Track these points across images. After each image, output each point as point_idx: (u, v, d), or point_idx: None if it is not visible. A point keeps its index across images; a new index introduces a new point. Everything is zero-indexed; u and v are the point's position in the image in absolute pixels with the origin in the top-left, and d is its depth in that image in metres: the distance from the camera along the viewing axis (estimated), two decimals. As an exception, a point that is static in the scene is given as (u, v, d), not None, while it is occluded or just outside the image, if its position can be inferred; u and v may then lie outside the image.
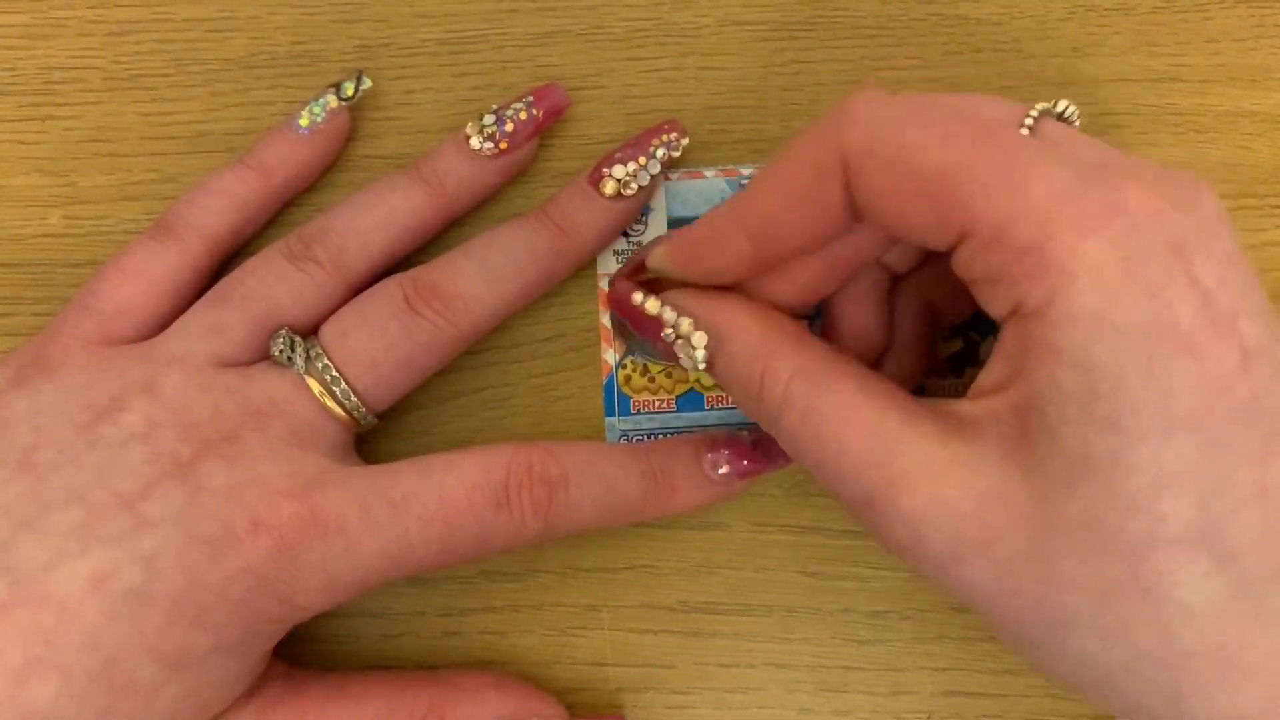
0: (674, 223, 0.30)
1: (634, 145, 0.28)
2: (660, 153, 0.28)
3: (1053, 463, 0.19)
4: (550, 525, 0.25)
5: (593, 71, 0.31)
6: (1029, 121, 0.21)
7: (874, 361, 0.26)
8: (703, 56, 0.31)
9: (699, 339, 0.23)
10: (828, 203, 0.21)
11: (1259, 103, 0.30)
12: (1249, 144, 0.30)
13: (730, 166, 0.30)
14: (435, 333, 0.26)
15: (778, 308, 0.24)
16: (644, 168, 0.28)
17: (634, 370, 0.29)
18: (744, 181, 0.30)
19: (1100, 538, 0.18)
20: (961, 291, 0.22)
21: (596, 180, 0.28)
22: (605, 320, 0.29)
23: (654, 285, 0.25)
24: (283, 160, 0.29)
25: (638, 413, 0.29)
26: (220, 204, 0.28)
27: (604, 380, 0.29)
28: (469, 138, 0.28)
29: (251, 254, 0.27)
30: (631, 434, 0.29)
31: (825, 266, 0.24)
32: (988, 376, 0.20)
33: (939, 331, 0.27)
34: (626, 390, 0.29)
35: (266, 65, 0.31)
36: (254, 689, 0.25)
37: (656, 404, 0.29)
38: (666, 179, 0.30)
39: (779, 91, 0.30)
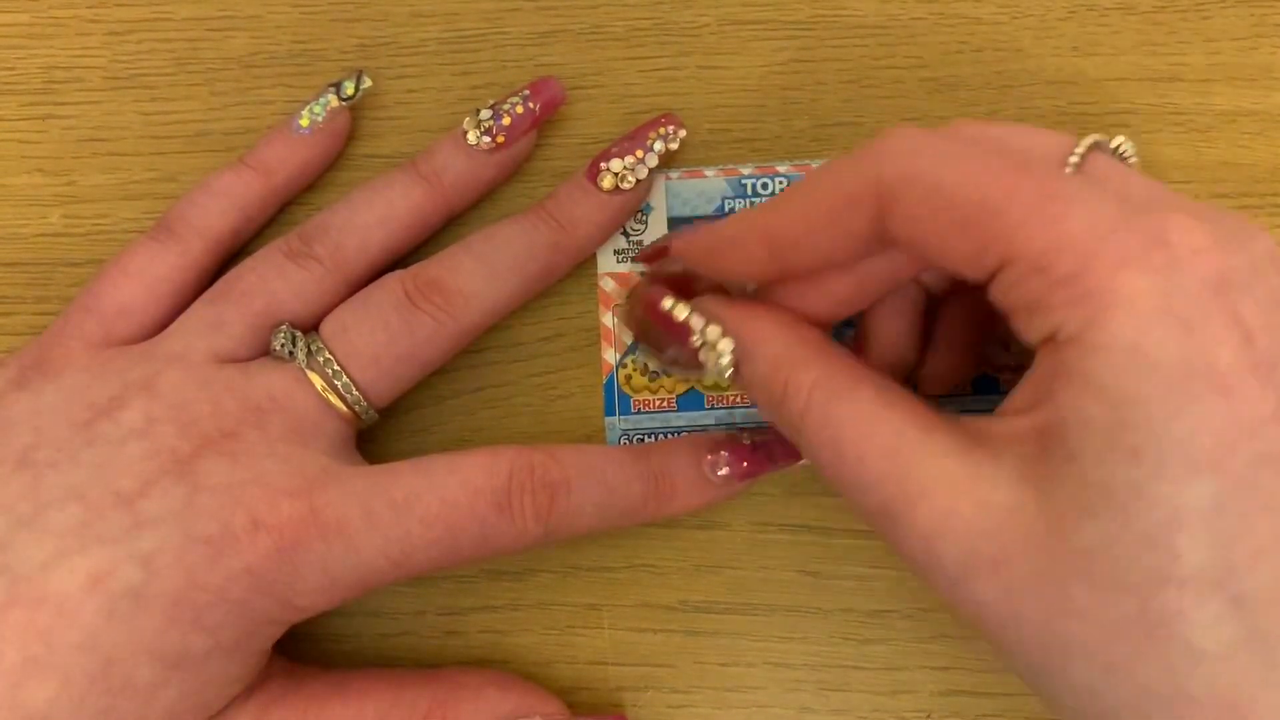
0: (674, 222, 0.30)
1: (631, 139, 0.28)
2: (657, 146, 0.28)
3: (1070, 489, 0.18)
4: (551, 529, 0.25)
5: (593, 70, 0.31)
6: (1077, 153, 0.21)
7: (907, 377, 0.26)
8: (703, 56, 0.31)
9: (725, 345, 0.24)
10: (852, 229, 0.21)
11: (1259, 103, 0.30)
12: (1249, 144, 0.30)
13: (730, 166, 0.30)
14: (436, 327, 0.26)
15: (806, 318, 0.24)
16: (641, 161, 0.28)
17: (634, 370, 0.29)
18: (744, 181, 0.30)
19: (1112, 568, 0.18)
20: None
21: (594, 175, 0.28)
22: (605, 320, 0.29)
23: (682, 289, 0.25)
24: (283, 160, 0.29)
25: (638, 412, 0.29)
26: (221, 204, 0.28)
27: (604, 380, 0.29)
28: (466, 133, 0.28)
29: (251, 253, 0.27)
30: (631, 433, 0.29)
31: (856, 282, 0.24)
32: (1015, 399, 0.20)
33: (991, 345, 0.27)
34: (626, 390, 0.29)
35: (266, 64, 0.31)
36: (255, 686, 0.25)
37: (656, 403, 0.29)
38: (667, 178, 0.30)
39: (779, 91, 0.30)
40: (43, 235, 0.30)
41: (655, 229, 0.30)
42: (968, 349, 0.27)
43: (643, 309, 0.26)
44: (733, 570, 0.29)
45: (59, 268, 0.30)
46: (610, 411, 0.29)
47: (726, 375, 0.24)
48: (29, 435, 0.24)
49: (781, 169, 0.30)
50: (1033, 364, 0.20)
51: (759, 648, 0.28)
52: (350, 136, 0.30)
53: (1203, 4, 0.30)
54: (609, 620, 0.29)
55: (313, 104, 0.29)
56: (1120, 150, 0.22)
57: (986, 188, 0.19)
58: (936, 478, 0.20)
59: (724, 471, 0.26)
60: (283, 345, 0.25)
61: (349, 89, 0.29)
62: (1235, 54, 0.30)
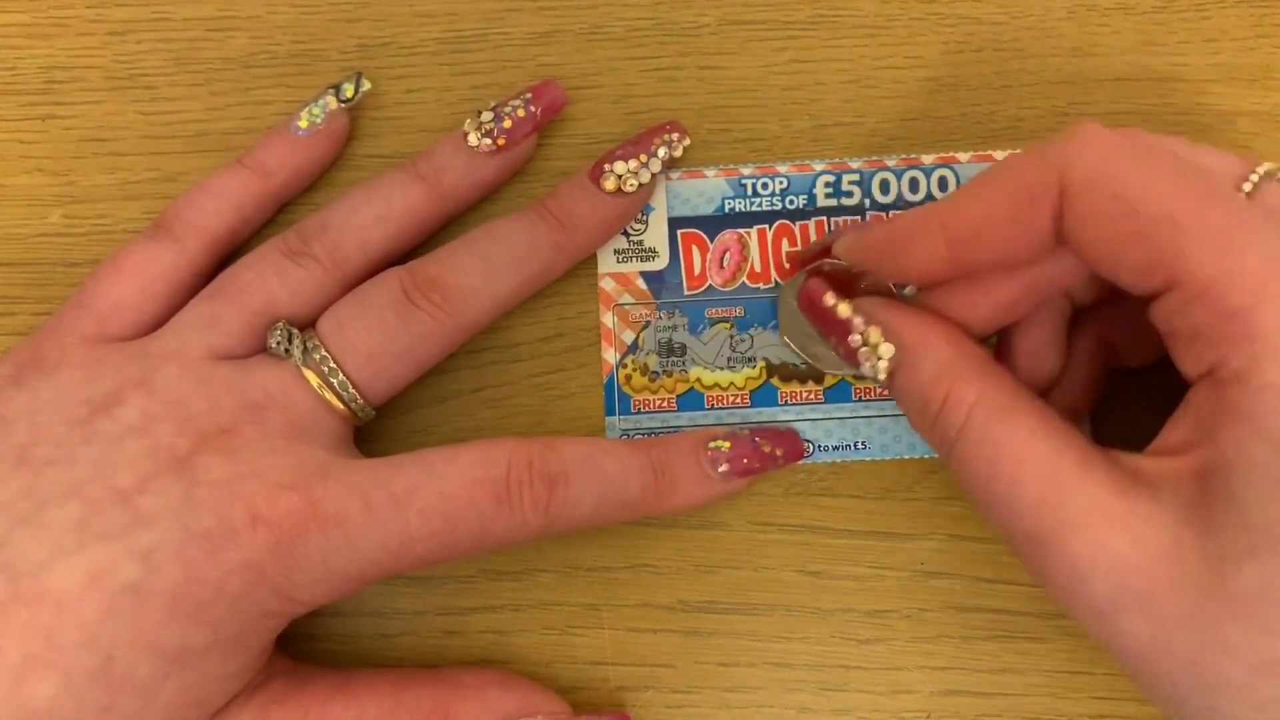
0: (674, 222, 0.30)
1: (635, 143, 0.28)
2: (661, 151, 0.28)
3: (1232, 530, 0.18)
4: (550, 521, 0.25)
5: (593, 71, 0.31)
6: (1252, 180, 0.21)
7: (1045, 390, 0.26)
8: (703, 56, 0.31)
9: (886, 350, 0.24)
10: (1035, 223, 0.21)
11: (1259, 103, 0.30)
12: (1249, 144, 0.30)
13: (730, 166, 0.30)
14: (433, 325, 0.26)
15: (963, 325, 0.24)
16: (644, 165, 0.28)
17: (634, 370, 0.29)
18: (744, 181, 0.30)
19: (1271, 610, 0.18)
20: (1144, 335, 0.22)
21: (597, 175, 0.28)
22: (606, 320, 0.29)
23: (841, 286, 0.25)
24: (281, 162, 0.29)
25: (638, 412, 0.29)
26: (218, 204, 0.28)
27: (604, 380, 0.29)
28: (467, 134, 0.28)
29: (249, 251, 0.27)
30: (631, 434, 0.29)
31: (1020, 287, 0.23)
32: (1171, 435, 0.20)
33: (1112, 370, 0.27)
34: (626, 390, 0.29)
35: (266, 65, 0.31)
36: (257, 685, 0.25)
37: (656, 403, 0.29)
38: (667, 179, 0.30)
39: (779, 91, 0.30)
40: (43, 235, 0.30)
41: (655, 229, 0.30)
42: (1093, 379, 0.26)
43: (801, 302, 0.26)
44: (733, 570, 0.29)
45: (59, 268, 0.30)
46: (610, 411, 0.29)
47: (881, 378, 0.24)
48: (26, 433, 0.24)
49: (781, 169, 0.30)
50: (1187, 398, 0.20)
51: (759, 648, 0.28)
52: (350, 137, 0.30)
53: (1203, 4, 0.30)
54: (609, 620, 0.29)
55: (311, 106, 0.29)
56: None
57: (1171, 203, 0.19)
58: (1092, 510, 0.20)
59: (724, 468, 0.26)
60: (278, 343, 0.25)
61: (348, 91, 0.29)
62: (1235, 54, 0.30)
